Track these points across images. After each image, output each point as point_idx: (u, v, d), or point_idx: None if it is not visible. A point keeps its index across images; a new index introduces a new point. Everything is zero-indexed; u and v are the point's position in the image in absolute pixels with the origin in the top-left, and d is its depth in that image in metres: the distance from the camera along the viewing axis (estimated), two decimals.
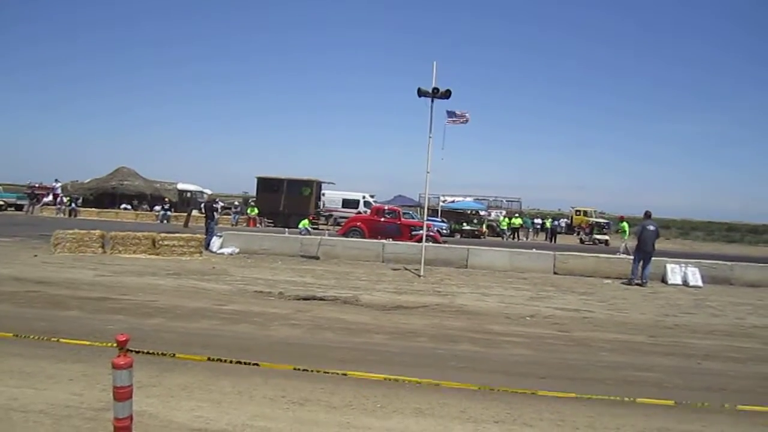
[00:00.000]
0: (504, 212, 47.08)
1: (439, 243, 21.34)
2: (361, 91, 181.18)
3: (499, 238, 38.41)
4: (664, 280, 15.88)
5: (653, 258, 15.47)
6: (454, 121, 15.46)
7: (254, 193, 39.35)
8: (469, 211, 43.64)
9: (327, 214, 38.89)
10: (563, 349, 7.90)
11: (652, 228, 15.51)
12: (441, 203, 44.98)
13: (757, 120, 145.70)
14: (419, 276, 14.49)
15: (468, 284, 13.69)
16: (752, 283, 16.15)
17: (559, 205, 72.88)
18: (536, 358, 7.28)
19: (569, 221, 51.58)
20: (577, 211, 53.13)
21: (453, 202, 46.78)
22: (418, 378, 4.46)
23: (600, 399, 4.42)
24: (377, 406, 5.05)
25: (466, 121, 15.66)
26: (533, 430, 4.74)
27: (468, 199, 48.21)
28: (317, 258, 17.24)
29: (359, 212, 33.93)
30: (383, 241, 18.84)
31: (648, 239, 15.30)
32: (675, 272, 15.94)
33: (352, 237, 21.89)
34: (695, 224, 74.57)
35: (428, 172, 14.93)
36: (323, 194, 39.54)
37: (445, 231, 33.80)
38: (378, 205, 30.10)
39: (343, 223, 28.24)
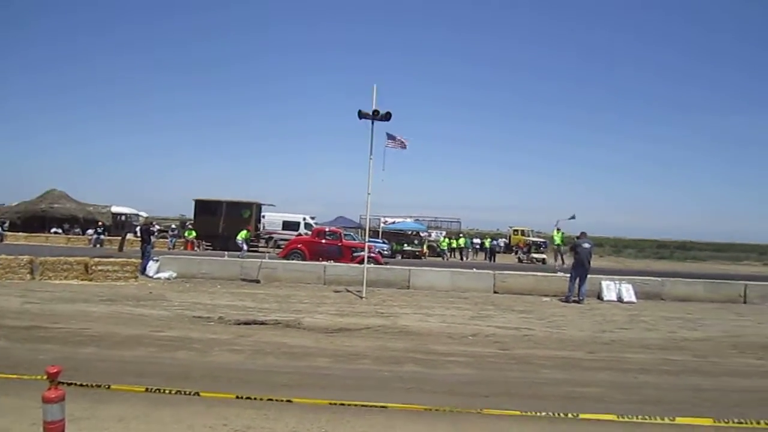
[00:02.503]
0: (444, 233, 47.66)
1: (381, 264, 21.37)
2: (300, 112, 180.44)
3: (440, 259, 38.79)
4: (600, 297, 16.32)
5: (589, 275, 15.90)
6: (392, 144, 15.50)
7: (192, 216, 38.52)
8: (409, 232, 43.89)
9: (267, 236, 38.44)
10: (505, 367, 8.00)
11: (587, 246, 15.97)
12: (382, 224, 45.11)
13: (684, 141, 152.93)
14: (361, 297, 14.44)
15: (410, 305, 13.72)
16: (682, 298, 16.82)
17: (498, 225, 74.20)
18: (479, 377, 7.33)
19: (507, 241, 52.62)
20: (514, 230, 54.24)
21: (394, 223, 46.99)
22: (363, 401, 4.41)
23: (543, 416, 4.48)
24: (322, 431, 4.96)
25: (404, 146, 15.71)
26: None
27: (408, 220, 48.56)
28: (258, 281, 16.96)
29: (300, 234, 33.65)
30: (324, 263, 18.71)
31: (584, 257, 15.73)
32: (610, 289, 16.43)
33: (293, 259, 21.70)
34: (627, 242, 77.32)
35: (369, 194, 15.01)
36: (263, 216, 39.14)
37: (386, 252, 33.88)
38: (319, 227, 29.97)
39: (283, 246, 27.99)
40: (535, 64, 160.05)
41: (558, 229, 32.71)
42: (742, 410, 6.11)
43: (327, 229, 26.11)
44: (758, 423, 4.45)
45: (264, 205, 39.28)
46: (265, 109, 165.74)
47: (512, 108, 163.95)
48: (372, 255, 21.62)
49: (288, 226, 38.57)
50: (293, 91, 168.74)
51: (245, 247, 26.61)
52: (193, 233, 35.38)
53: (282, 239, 35.87)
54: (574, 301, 15.40)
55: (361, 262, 16.93)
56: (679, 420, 4.33)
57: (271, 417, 5.18)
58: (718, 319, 13.53)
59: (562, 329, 11.29)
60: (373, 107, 14.42)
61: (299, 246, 24.04)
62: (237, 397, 3.88)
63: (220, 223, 35.41)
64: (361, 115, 14.47)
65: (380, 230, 42.31)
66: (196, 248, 34.42)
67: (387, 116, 14.54)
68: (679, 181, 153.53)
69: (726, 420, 4.48)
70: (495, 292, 16.90)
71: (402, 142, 15.58)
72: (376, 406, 4.80)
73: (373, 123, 14.54)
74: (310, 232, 28.92)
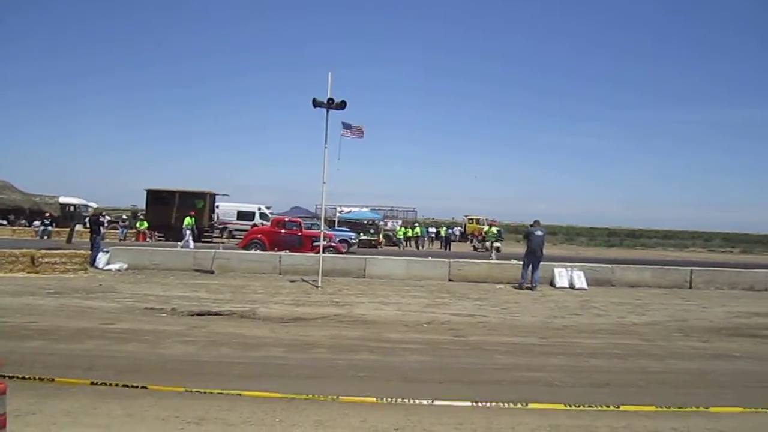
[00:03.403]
0: (400, 222, 47.89)
1: (342, 253, 21.34)
2: (255, 100, 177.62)
3: (396, 248, 38.95)
4: (552, 284, 16.62)
5: (541, 263, 16.19)
6: (349, 133, 15.37)
7: (143, 206, 37.67)
8: (365, 221, 43.89)
9: (222, 226, 37.91)
10: (460, 353, 8.08)
11: (539, 233, 16.21)
12: (338, 214, 44.98)
13: (632, 132, 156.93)
14: (317, 287, 14.37)
15: (366, 294, 13.74)
16: (631, 284, 17.29)
17: (453, 214, 74.96)
18: (434, 363, 7.39)
19: (463, 229, 53.22)
20: (470, 219, 54.98)
21: (350, 212, 46.91)
22: (317, 390, 4.40)
23: (491, 407, 4.56)
24: (276, 420, 4.93)
25: (361, 135, 15.60)
26: None
27: (364, 209, 48.57)
28: (212, 272, 16.69)
29: (255, 224, 33.26)
30: (280, 252, 18.57)
31: (536, 244, 15.98)
32: (562, 276, 16.75)
33: (253, 250, 21.48)
34: (579, 230, 79.36)
35: (324, 183, 14.87)
36: (217, 206, 38.54)
37: (354, 240, 33.27)
38: (279, 216, 29.70)
39: (239, 236, 27.66)
40: (494, 50, 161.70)
41: (490, 226, 33.30)
42: (687, 391, 6.35)
43: (287, 219, 25.89)
44: (697, 408, 4.64)
45: (218, 195, 38.62)
46: (218, 101, 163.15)
47: (467, 95, 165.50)
48: (333, 245, 21.59)
49: (243, 216, 38.13)
50: (246, 84, 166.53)
51: (189, 236, 26.21)
52: (145, 224, 34.59)
53: (237, 229, 35.44)
54: (527, 288, 15.64)
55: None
56: (623, 407, 4.47)
57: (225, 407, 5.11)
58: (665, 303, 13.95)
59: (515, 316, 11.48)
60: (328, 96, 14.30)
61: (259, 236, 23.76)
62: (186, 391, 3.81)
63: (173, 214, 34.57)
64: (316, 103, 14.31)
65: (336, 219, 42.15)
66: (148, 239, 33.69)
67: (342, 105, 14.42)
68: (630, 169, 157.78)
69: (667, 406, 4.65)
70: (450, 280, 17.04)
71: (359, 130, 15.50)
72: (327, 401, 4.80)
73: (328, 112, 14.42)
74: (266, 222, 28.60)
